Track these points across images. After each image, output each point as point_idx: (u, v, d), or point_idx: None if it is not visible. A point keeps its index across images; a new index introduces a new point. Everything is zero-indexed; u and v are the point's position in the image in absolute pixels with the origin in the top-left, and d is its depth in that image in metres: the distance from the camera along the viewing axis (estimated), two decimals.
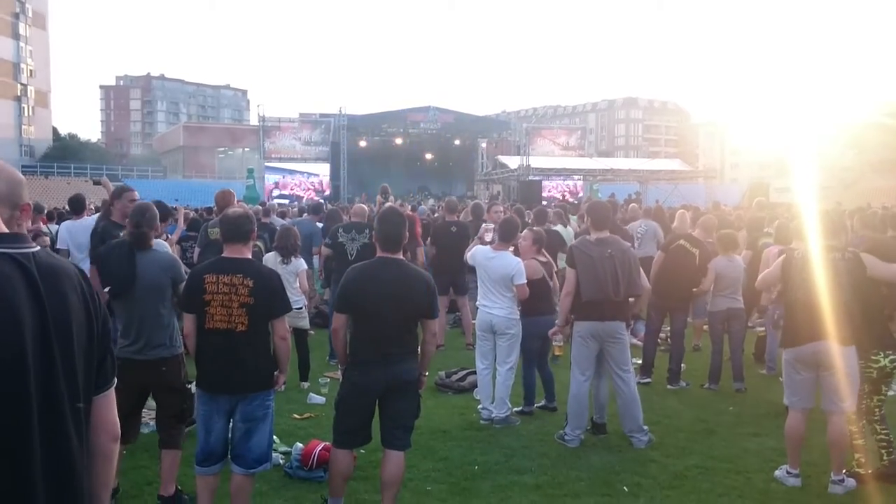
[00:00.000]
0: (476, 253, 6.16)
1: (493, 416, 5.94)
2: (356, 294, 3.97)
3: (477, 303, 6.22)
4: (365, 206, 8.99)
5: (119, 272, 4.16)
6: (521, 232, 6.44)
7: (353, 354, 4.05)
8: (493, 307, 5.92)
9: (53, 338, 1.52)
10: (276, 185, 35.48)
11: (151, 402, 4.57)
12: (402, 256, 4.14)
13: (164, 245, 4.87)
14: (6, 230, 1.59)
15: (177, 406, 4.36)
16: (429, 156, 38.67)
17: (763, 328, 7.88)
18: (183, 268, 4.48)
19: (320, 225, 10.04)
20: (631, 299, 5.57)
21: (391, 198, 14.19)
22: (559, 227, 9.46)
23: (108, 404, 1.73)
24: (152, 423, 5.02)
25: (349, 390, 4.03)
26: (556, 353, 6.42)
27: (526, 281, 5.83)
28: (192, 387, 4.37)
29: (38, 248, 1.62)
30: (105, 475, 1.71)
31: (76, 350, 1.58)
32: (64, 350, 1.55)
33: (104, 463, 1.71)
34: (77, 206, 8.18)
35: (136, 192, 5.86)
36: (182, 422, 4.41)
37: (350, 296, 4.00)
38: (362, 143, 35.50)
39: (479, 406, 6.12)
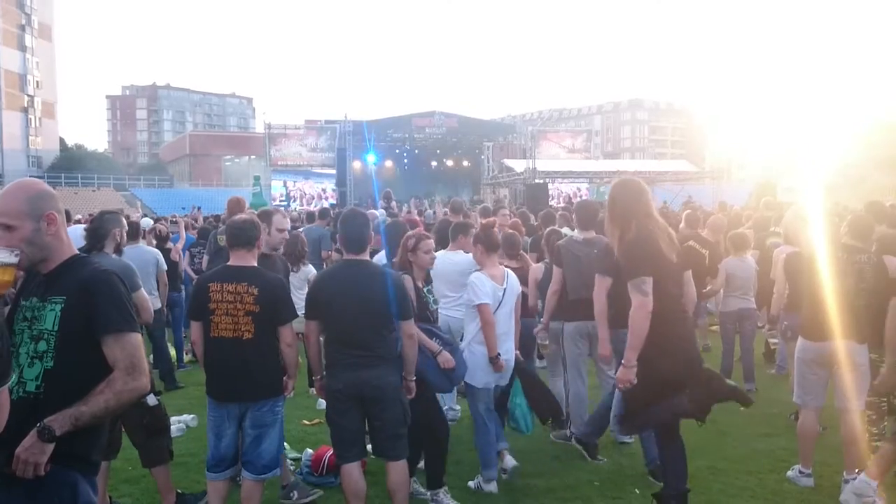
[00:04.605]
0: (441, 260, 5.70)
1: None
2: (322, 298, 3.93)
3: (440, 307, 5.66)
4: (375, 212, 8.98)
5: None
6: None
7: (326, 360, 4.00)
8: (450, 309, 5.58)
9: None
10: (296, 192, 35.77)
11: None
12: (367, 257, 4.08)
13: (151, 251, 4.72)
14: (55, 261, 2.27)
15: (135, 421, 4.18)
16: (434, 160, 38.68)
17: (776, 340, 7.79)
18: (138, 277, 4.34)
19: (328, 229, 10.05)
20: None
21: (394, 203, 14.12)
22: (566, 230, 9.43)
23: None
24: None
25: (329, 399, 3.98)
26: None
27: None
28: (150, 399, 4.15)
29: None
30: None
31: None
32: None
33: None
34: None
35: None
36: (152, 435, 4.26)
37: (317, 301, 3.95)
38: (368, 151, 35.58)
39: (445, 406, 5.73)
